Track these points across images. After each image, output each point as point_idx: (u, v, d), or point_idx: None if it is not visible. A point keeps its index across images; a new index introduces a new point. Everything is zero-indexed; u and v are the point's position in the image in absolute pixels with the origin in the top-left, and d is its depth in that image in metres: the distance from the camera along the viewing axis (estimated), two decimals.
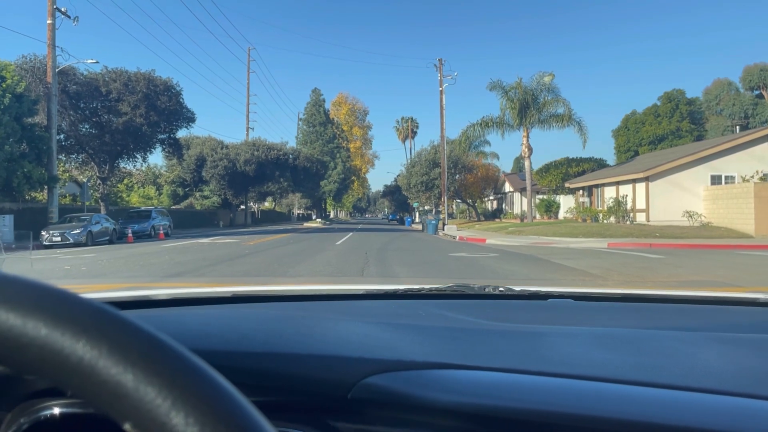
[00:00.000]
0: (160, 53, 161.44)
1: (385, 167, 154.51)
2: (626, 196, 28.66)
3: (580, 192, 36.35)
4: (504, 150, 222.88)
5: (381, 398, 0.72)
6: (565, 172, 39.92)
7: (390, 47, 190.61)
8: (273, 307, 1.45)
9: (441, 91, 39.02)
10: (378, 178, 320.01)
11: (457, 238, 25.93)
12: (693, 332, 1.07)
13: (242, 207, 57.94)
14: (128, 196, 45.55)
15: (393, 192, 73.16)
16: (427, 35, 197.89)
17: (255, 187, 56.20)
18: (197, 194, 54.14)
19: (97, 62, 28.72)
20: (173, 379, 0.35)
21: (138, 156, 36.20)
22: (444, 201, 39.41)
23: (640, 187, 27.41)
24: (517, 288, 1.67)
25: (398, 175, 59.62)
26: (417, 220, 54.79)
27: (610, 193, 30.76)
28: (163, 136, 36.18)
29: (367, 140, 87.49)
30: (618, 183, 29.80)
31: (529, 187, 36.10)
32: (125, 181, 46.66)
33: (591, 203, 34.19)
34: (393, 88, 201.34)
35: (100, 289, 8.66)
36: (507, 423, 0.67)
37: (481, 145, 57.72)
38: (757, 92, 47.78)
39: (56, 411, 0.72)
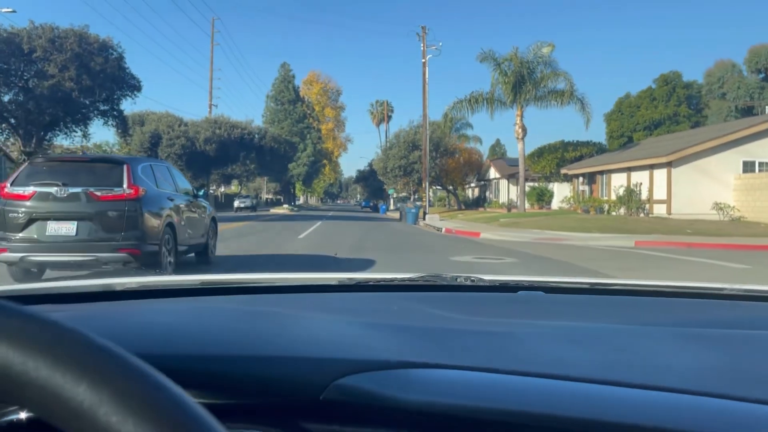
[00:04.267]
0: (114, 20, 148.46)
1: (357, 152, 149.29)
2: (640, 184, 24.68)
3: (580, 179, 32.39)
4: (483, 135, 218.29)
5: (353, 399, 0.73)
6: (560, 157, 35.80)
7: (366, 21, 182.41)
8: (242, 301, 1.38)
9: (424, 63, 34.62)
10: (351, 164, 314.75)
11: (443, 230, 21.76)
12: (660, 327, 1.07)
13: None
14: None
15: (366, 177, 68.68)
16: (407, 9, 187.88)
17: (217, 169, 51.44)
18: None
19: (14, 11, 23.73)
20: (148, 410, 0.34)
21: (77, 129, 31.68)
22: (425, 187, 35.16)
23: (660, 173, 23.46)
24: (488, 278, 1.63)
25: (373, 159, 54.95)
26: (392, 207, 50.51)
27: (619, 180, 26.75)
28: (105, 107, 31.48)
29: (340, 122, 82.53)
30: (630, 169, 25.79)
31: (522, 173, 31.92)
32: None
33: (592, 192, 30.26)
34: (367, 70, 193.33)
35: None
36: (478, 423, 0.69)
37: (464, 127, 53.64)
38: (762, 75, 44.42)
39: (23, 416, 0.69)
